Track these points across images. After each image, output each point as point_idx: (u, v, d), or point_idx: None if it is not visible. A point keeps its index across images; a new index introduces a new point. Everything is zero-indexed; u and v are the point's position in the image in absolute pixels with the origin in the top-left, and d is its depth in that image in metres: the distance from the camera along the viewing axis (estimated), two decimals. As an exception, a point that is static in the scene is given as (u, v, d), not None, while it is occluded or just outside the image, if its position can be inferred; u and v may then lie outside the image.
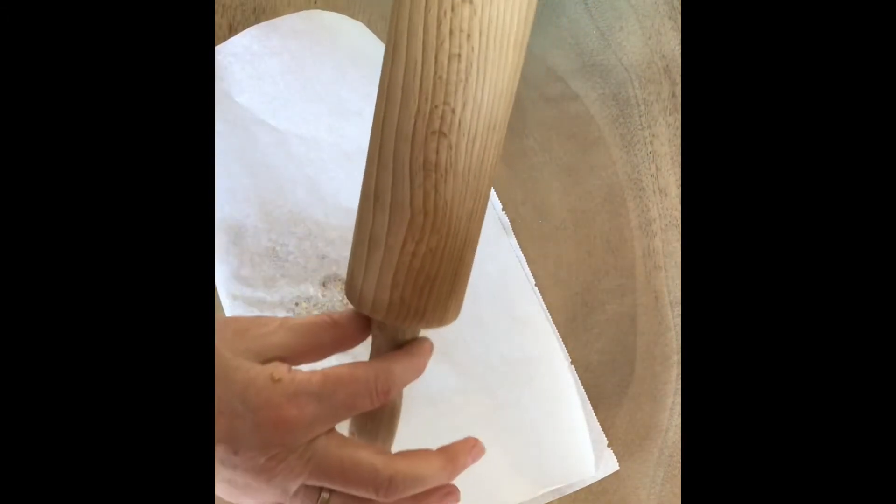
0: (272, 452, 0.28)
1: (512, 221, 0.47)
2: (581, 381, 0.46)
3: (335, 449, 0.30)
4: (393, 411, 0.35)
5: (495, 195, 0.47)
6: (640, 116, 0.47)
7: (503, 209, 0.47)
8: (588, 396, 0.46)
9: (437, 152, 0.28)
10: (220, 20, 0.46)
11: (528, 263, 0.46)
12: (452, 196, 0.29)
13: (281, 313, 0.45)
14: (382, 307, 0.30)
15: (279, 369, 0.29)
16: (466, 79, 0.28)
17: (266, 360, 0.30)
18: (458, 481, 0.34)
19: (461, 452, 0.33)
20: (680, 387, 0.46)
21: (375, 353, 0.34)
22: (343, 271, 0.46)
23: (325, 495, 0.31)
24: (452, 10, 0.27)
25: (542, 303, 0.46)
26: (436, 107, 0.28)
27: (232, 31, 0.46)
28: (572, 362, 0.46)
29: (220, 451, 0.28)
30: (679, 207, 0.47)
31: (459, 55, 0.27)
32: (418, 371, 0.33)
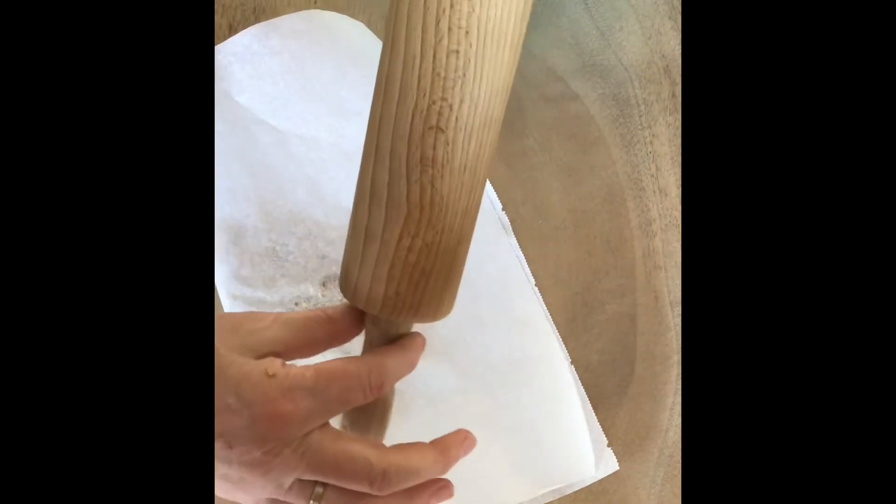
0: (267, 447, 0.28)
1: (512, 221, 0.47)
2: (581, 381, 0.46)
3: (329, 443, 0.30)
4: (385, 405, 0.35)
5: (495, 195, 0.47)
6: (640, 116, 0.47)
7: (503, 209, 0.47)
8: (588, 396, 0.46)
9: (434, 148, 0.28)
10: (220, 20, 0.46)
11: (528, 263, 0.46)
12: (448, 191, 0.29)
13: (281, 313, 0.45)
14: (377, 301, 0.30)
15: (273, 364, 0.29)
16: (464, 75, 0.28)
17: (260, 356, 0.30)
18: (459, 481, 0.34)
19: (453, 445, 0.34)
20: (680, 387, 0.46)
21: (368, 348, 0.34)
22: (343, 271, 0.46)
23: (319, 489, 0.31)
24: (451, 7, 0.27)
25: (542, 303, 0.46)
26: (433, 103, 0.28)
27: (232, 30, 0.46)
28: (572, 362, 0.46)
29: (215, 447, 0.28)
30: (679, 207, 0.47)
31: (458, 52, 0.27)
32: (411, 365, 0.33)
